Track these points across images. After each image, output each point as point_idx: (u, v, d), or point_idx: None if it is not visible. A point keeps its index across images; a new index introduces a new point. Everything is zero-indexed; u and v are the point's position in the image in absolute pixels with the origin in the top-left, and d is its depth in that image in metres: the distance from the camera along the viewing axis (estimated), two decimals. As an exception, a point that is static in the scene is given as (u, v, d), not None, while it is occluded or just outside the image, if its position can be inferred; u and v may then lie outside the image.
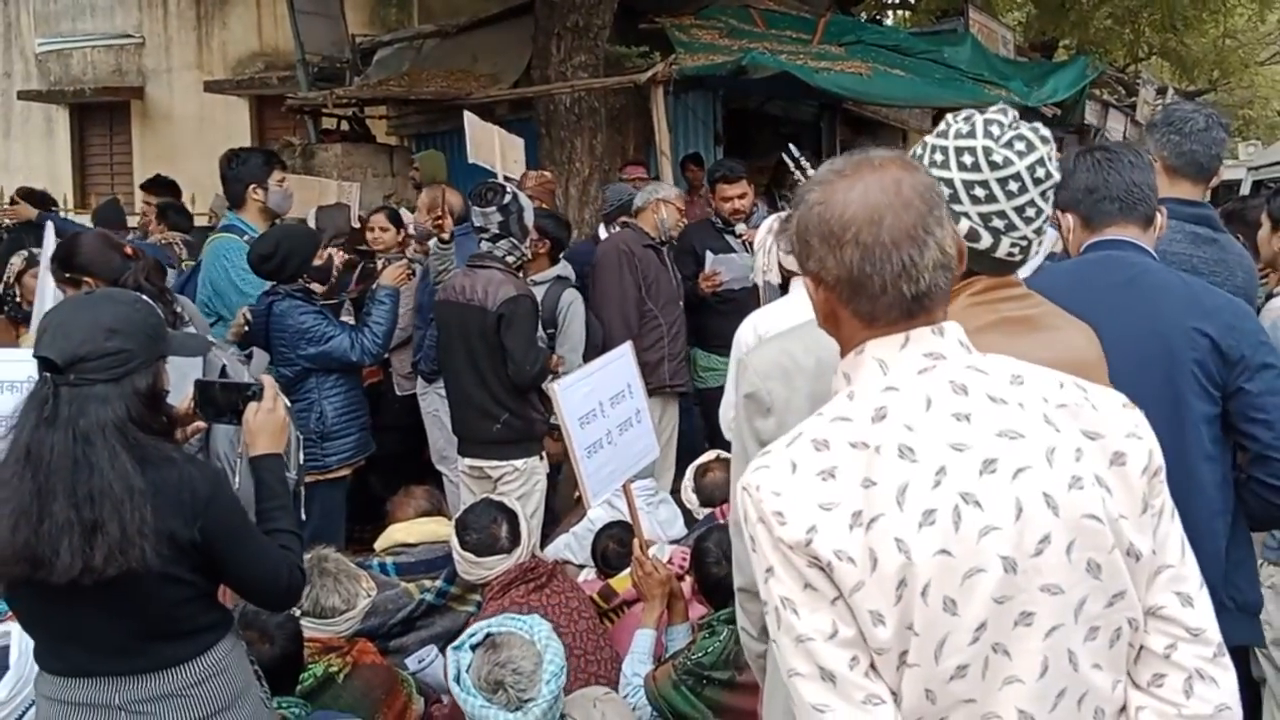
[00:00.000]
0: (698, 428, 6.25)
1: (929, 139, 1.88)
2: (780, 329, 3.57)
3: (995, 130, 1.78)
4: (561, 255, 5.46)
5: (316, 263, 4.51)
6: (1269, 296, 3.96)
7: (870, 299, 1.43)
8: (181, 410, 2.49)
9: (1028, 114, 8.53)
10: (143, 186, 7.88)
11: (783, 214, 3.60)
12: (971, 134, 1.79)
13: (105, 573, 2.05)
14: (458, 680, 2.76)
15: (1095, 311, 1.97)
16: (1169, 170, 3.11)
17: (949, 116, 1.88)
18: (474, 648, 2.82)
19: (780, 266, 3.55)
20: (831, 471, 1.39)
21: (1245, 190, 8.69)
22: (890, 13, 20.01)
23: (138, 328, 2.20)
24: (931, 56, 9.43)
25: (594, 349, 5.03)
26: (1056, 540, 1.36)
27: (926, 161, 1.83)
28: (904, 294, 1.42)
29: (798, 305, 3.62)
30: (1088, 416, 1.43)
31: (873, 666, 1.38)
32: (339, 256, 4.96)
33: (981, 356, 1.47)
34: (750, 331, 3.62)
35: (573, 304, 5.08)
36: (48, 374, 2.14)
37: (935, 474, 1.37)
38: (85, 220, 8.31)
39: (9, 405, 2.96)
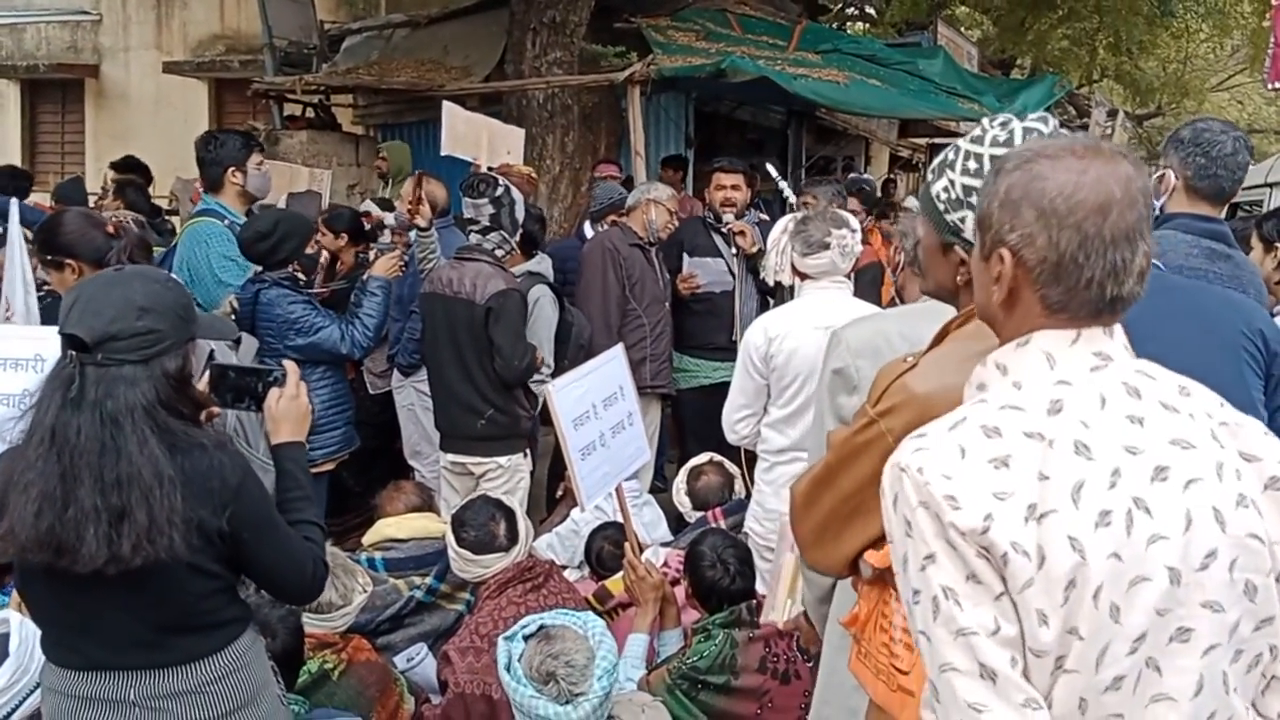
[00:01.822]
0: (666, 428, 6.25)
1: (962, 144, 1.85)
2: (790, 331, 3.60)
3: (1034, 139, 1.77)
4: (538, 251, 5.40)
5: (308, 250, 4.41)
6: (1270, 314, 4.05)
7: (1069, 289, 1.38)
8: (200, 396, 2.41)
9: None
10: (112, 165, 7.68)
11: (799, 215, 3.59)
12: (1009, 141, 1.77)
13: (132, 562, 1.96)
14: (508, 669, 2.72)
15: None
16: (1190, 190, 3.12)
17: (984, 122, 1.85)
18: (526, 638, 2.78)
19: (792, 267, 3.53)
20: (1005, 460, 1.34)
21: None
22: (850, 24, 20.20)
23: (169, 307, 2.11)
24: (906, 68, 9.49)
25: (579, 349, 4.98)
26: (1222, 557, 1.34)
27: (959, 168, 1.81)
28: (1105, 293, 1.38)
29: (809, 308, 3.63)
30: (1244, 438, 1.42)
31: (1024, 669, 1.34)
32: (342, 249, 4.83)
33: (1146, 363, 1.45)
34: (761, 334, 3.61)
35: (539, 300, 5.02)
36: (73, 352, 2.04)
37: (1111, 474, 1.33)
38: (38, 198, 8.12)
39: (14, 384, 2.86)
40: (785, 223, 3.63)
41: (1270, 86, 7.41)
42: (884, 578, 1.81)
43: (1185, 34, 16.07)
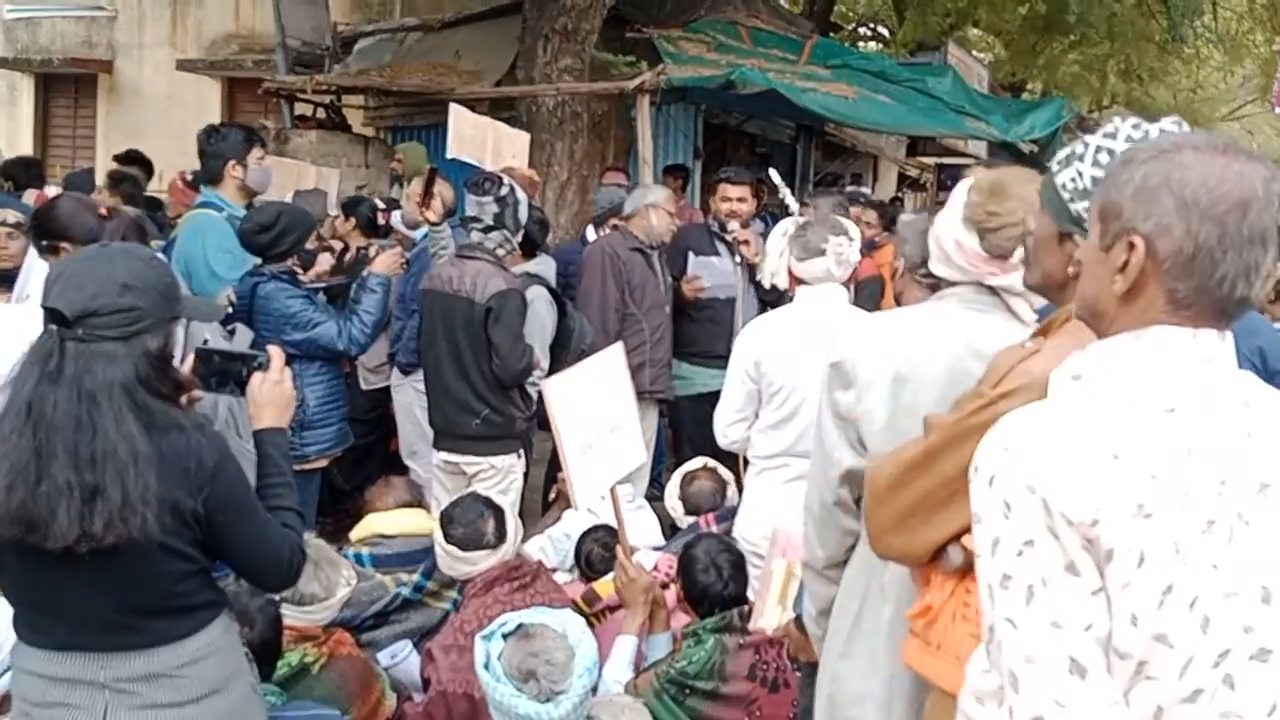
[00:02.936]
0: (663, 435, 6.24)
1: (1092, 139, 1.85)
2: (781, 336, 3.58)
3: None
4: (539, 252, 5.39)
5: (309, 245, 4.40)
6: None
7: (1199, 285, 1.34)
8: (181, 376, 2.38)
9: (1006, 149, 8.61)
10: (116, 158, 7.70)
11: (799, 219, 3.58)
12: (1145, 138, 1.74)
13: (103, 540, 1.94)
14: (487, 667, 2.69)
15: None
16: None
17: (1116, 119, 1.83)
18: (505, 636, 2.75)
19: (789, 272, 3.51)
20: (1117, 454, 1.30)
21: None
22: (862, 44, 20.25)
23: (152, 285, 2.09)
24: (915, 86, 9.47)
25: (581, 353, 4.96)
26: None
27: (1089, 160, 1.80)
28: (1234, 292, 1.34)
29: (801, 314, 3.60)
30: None
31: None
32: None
33: (1250, 374, 1.42)
34: (752, 339, 3.59)
35: (534, 302, 4.99)
36: (54, 326, 2.02)
37: (1219, 483, 1.30)
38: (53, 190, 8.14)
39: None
40: (785, 226, 3.62)
41: (1278, 111, 7.39)
42: (962, 568, 1.80)
43: (1196, 61, 16.03)
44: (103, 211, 3.47)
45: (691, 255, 5.77)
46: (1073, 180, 1.84)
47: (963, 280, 2.26)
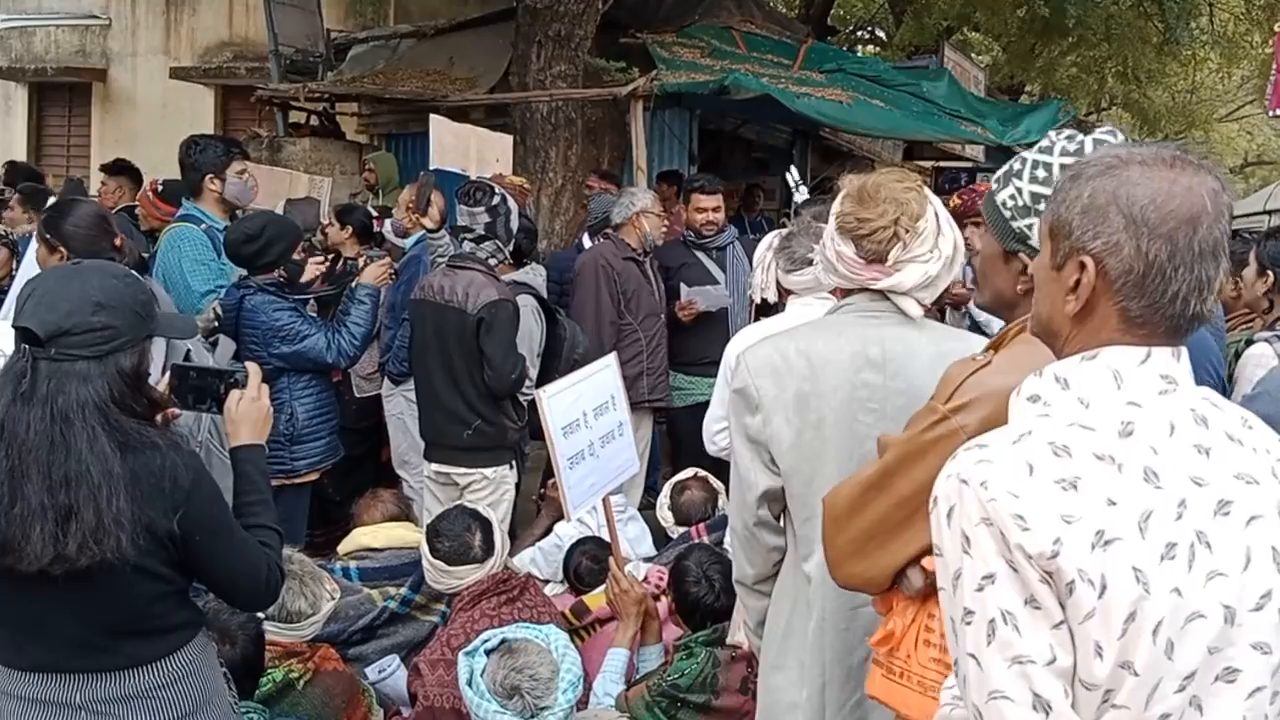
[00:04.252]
0: (659, 444, 6.22)
1: (1029, 154, 1.85)
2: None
3: None
4: (527, 261, 5.37)
5: (295, 256, 4.37)
6: (1248, 342, 3.98)
7: (1151, 303, 1.32)
8: (156, 394, 2.36)
9: (1001, 152, 8.63)
10: (103, 168, 7.66)
11: (783, 231, 3.55)
12: (1079, 151, 1.76)
13: (77, 562, 1.92)
14: (470, 684, 2.67)
15: None
16: None
17: (1052, 133, 1.84)
18: (489, 653, 2.73)
19: (778, 284, 3.48)
20: (1074, 482, 1.27)
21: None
22: (862, 47, 20.25)
23: (126, 303, 2.07)
24: (910, 90, 9.47)
25: (573, 362, 4.93)
26: (1276, 597, 1.29)
27: (1027, 176, 1.80)
28: (1187, 309, 1.32)
29: (792, 322, 3.57)
30: None
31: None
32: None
33: (1210, 391, 1.39)
34: (742, 347, 3.56)
35: (522, 311, 4.96)
36: (26, 346, 2.00)
37: (1178, 505, 1.27)
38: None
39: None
40: (771, 239, 3.59)
41: (1271, 114, 7.38)
42: (924, 591, 1.78)
43: (1193, 62, 16.02)
44: (118, 242, 3.47)
45: (684, 286, 5.76)
46: (1012, 198, 1.84)
47: (851, 288, 2.30)
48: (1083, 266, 1.34)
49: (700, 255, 5.80)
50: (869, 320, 2.27)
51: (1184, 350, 1.37)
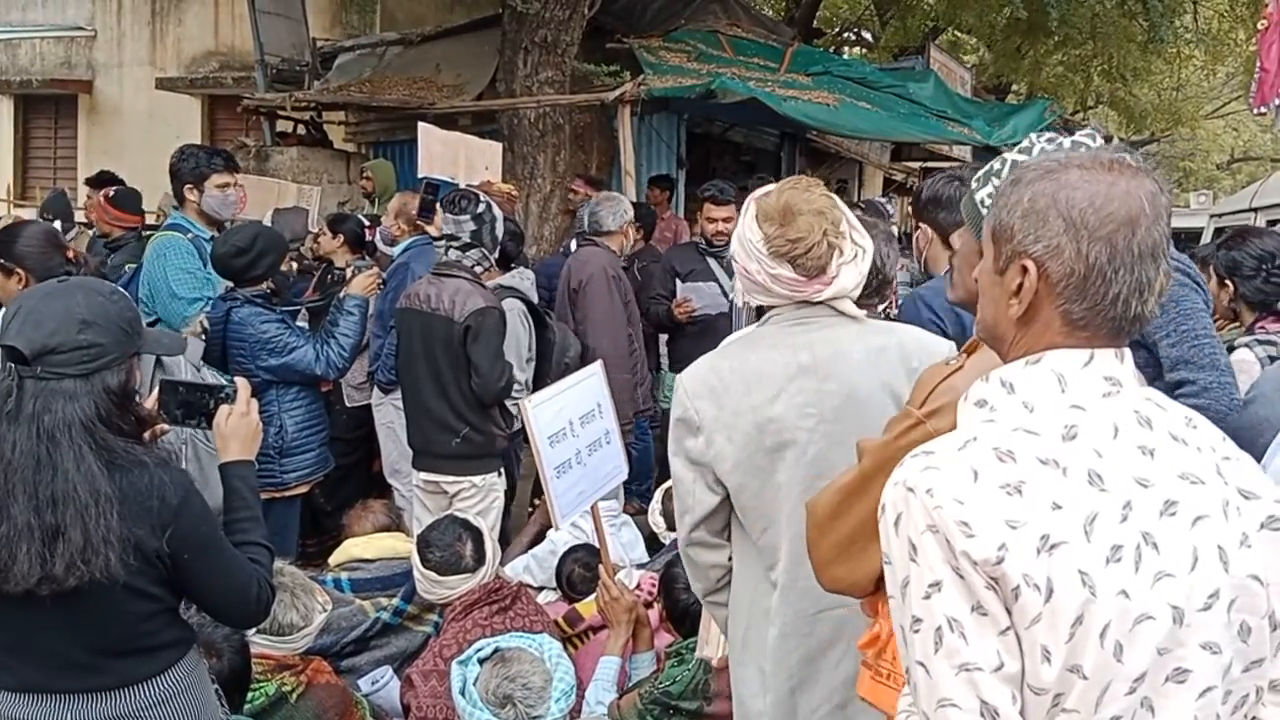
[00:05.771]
0: (652, 449, 6.20)
1: (1009, 155, 1.84)
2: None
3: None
4: (514, 265, 5.37)
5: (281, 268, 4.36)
6: (1230, 347, 3.96)
7: (1093, 306, 1.33)
8: (144, 411, 2.35)
9: (988, 152, 8.68)
10: (88, 181, 7.64)
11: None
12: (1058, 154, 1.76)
13: (65, 583, 1.91)
14: (463, 693, 2.67)
15: None
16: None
17: (1032, 135, 1.84)
18: (481, 662, 2.73)
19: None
20: (1018, 487, 1.27)
21: (1207, 238, 8.86)
22: (847, 49, 20.29)
23: (113, 321, 2.06)
24: (896, 91, 9.50)
25: (564, 366, 4.93)
26: (1223, 596, 1.29)
27: (1006, 175, 1.78)
28: (1128, 311, 1.33)
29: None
30: (1244, 474, 1.37)
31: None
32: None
33: (1155, 391, 1.40)
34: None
35: (510, 315, 4.96)
36: (12, 365, 1.99)
37: (1123, 508, 1.27)
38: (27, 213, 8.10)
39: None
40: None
41: (1256, 111, 7.40)
42: None
43: (1178, 60, 16.08)
44: (70, 254, 3.46)
45: (679, 282, 5.76)
46: (990, 196, 1.84)
47: (785, 304, 2.32)
48: (1025, 270, 1.36)
49: (710, 261, 5.81)
50: (796, 328, 2.30)
51: (1128, 351, 1.38)
